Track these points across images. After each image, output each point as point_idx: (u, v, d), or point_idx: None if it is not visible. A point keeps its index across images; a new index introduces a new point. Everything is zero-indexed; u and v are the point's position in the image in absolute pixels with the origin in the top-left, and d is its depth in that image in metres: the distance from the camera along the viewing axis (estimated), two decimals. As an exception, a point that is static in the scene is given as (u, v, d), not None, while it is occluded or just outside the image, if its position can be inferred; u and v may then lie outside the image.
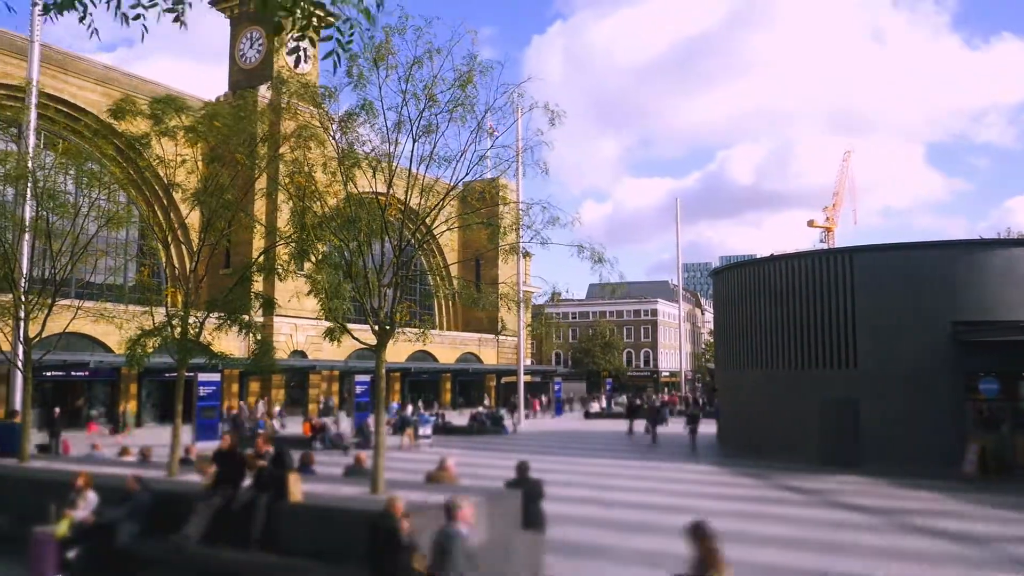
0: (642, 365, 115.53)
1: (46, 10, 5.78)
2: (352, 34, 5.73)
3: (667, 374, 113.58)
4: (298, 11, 5.55)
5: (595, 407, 60.39)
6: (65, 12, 5.68)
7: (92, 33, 6.12)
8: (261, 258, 14.46)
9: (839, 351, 26.70)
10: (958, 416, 24.47)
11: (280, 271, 13.58)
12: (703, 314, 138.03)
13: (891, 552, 13.65)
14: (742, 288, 31.91)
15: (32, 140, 20.35)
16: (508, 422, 43.95)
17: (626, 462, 27.26)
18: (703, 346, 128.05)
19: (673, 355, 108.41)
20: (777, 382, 28.97)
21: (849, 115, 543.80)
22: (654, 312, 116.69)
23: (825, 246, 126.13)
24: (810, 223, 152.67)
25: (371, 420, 32.46)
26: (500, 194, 14.20)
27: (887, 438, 24.87)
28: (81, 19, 5.81)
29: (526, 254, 56.27)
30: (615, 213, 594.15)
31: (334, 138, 12.33)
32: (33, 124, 22.00)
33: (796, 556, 13.25)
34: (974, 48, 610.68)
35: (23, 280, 16.58)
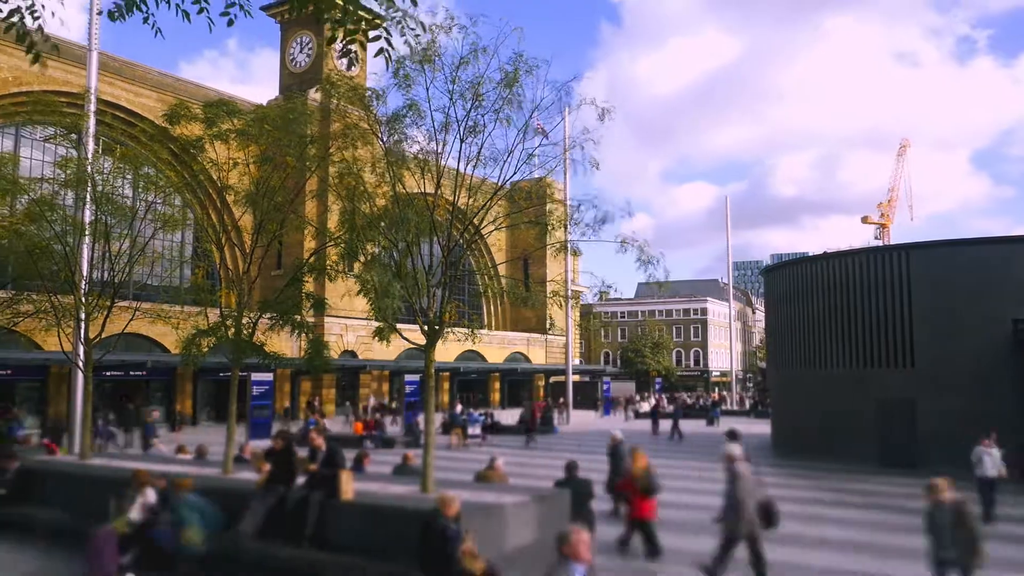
0: (692, 365, 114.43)
1: (112, 16, 5.95)
2: (403, 30, 5.80)
3: (717, 374, 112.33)
4: (348, 20, 5.64)
5: (644, 407, 59.97)
6: (128, 15, 5.86)
7: (156, 32, 6.32)
8: (312, 259, 14.64)
9: (896, 350, 26.11)
10: (1020, 417, 23.74)
11: (330, 272, 13.72)
12: (754, 313, 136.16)
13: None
14: (795, 286, 31.38)
15: (91, 146, 20.89)
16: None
17: (677, 462, 27.00)
18: (754, 345, 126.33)
19: (724, 354, 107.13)
20: (831, 382, 28.43)
21: (885, 132, 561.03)
22: (704, 311, 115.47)
23: (880, 243, 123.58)
24: (864, 219, 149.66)
25: (420, 419, 32.67)
26: (547, 192, 14.16)
27: (946, 439, 24.22)
28: (145, 20, 6.00)
29: (575, 252, 56.16)
30: (658, 221, 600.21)
31: (382, 139, 12.42)
32: (92, 130, 22.58)
33: (852, 559, 12.98)
34: (1005, 66, 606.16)
35: (83, 282, 17.03)
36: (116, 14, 5.94)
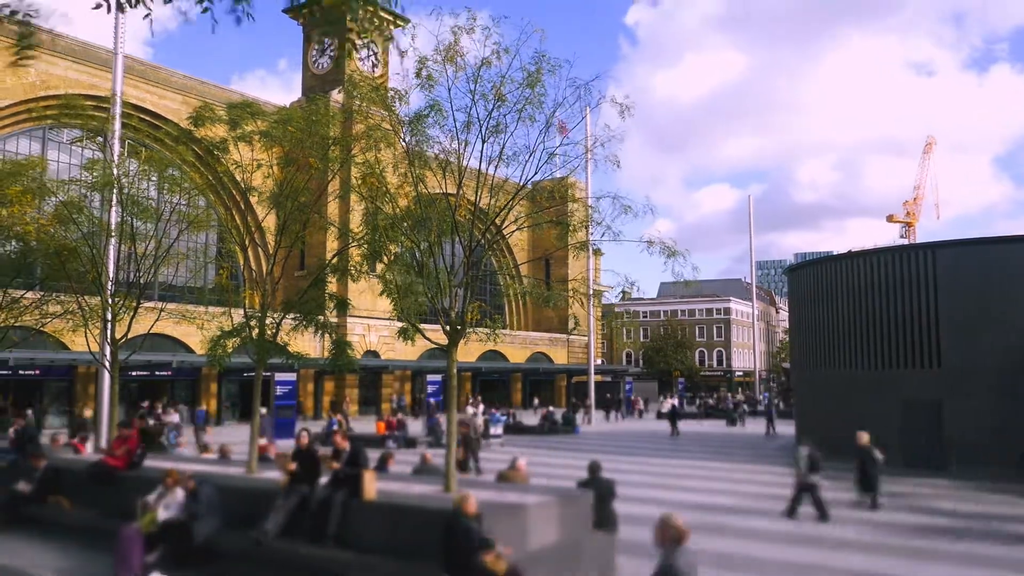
0: (715, 365, 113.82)
1: (120, 9, 6.01)
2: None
3: (740, 374, 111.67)
4: (364, 23, 5.71)
5: (666, 407, 59.65)
6: (133, 7, 5.93)
7: (152, 33, 6.40)
8: (335, 259, 14.72)
9: (921, 350, 25.82)
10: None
11: (353, 272, 13.79)
12: (777, 313, 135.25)
13: (976, 558, 13.13)
14: (819, 286, 31.10)
15: (117, 148, 21.13)
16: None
17: (699, 463, 26.88)
18: (778, 345, 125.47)
19: (747, 354, 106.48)
20: (856, 382, 28.17)
21: (904, 139, 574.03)
22: (727, 311, 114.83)
23: (906, 241, 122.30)
24: (890, 218, 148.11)
25: (442, 419, 32.73)
26: (569, 192, 14.13)
27: (972, 440, 23.93)
28: (145, 16, 6.06)
29: (596, 251, 56.06)
30: (679, 225, 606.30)
31: (404, 140, 12.46)
32: (118, 133, 22.84)
33: (876, 561, 12.85)
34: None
35: (110, 283, 17.23)
36: (124, 4, 6.01)
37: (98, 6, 6.00)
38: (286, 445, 19.24)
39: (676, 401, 58.23)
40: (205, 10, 6.04)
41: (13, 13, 5.98)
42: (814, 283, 31.71)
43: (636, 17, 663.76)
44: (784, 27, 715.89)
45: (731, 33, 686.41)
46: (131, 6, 6.03)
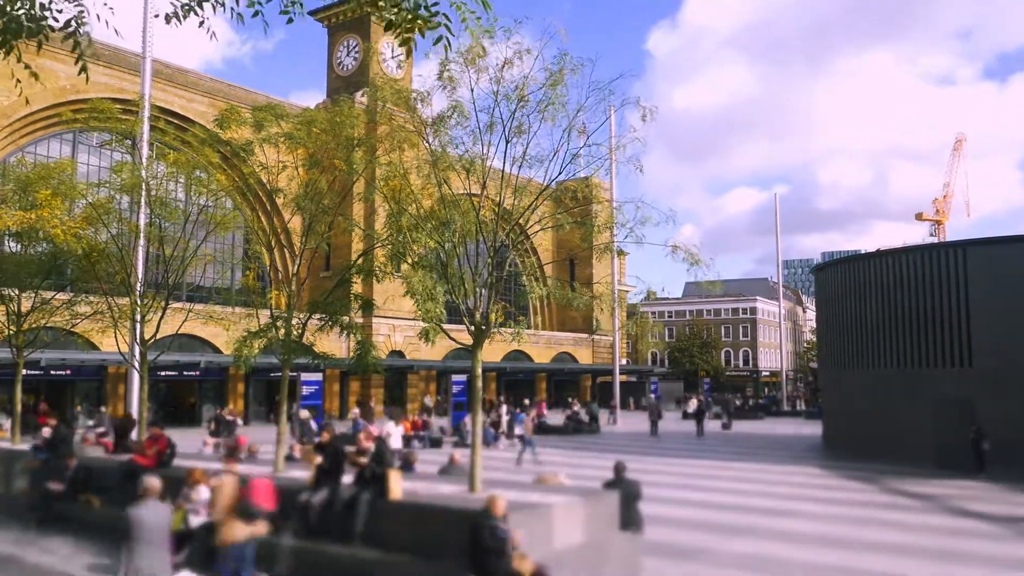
0: (741, 364, 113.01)
1: (167, 20, 6.16)
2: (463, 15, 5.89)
3: (767, 374, 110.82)
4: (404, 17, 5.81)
5: (692, 407, 59.30)
6: (185, 18, 6.08)
7: (211, 36, 6.53)
8: (360, 260, 14.78)
9: (952, 349, 25.48)
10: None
11: (378, 273, 13.84)
12: (804, 312, 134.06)
13: (1011, 561, 12.93)
14: (847, 285, 30.79)
15: (145, 151, 21.35)
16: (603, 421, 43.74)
17: (726, 463, 26.70)
18: (805, 345, 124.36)
19: (774, 354, 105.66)
20: (885, 381, 27.85)
21: (926, 146, 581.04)
22: (753, 310, 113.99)
23: (935, 240, 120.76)
24: (919, 216, 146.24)
25: (468, 419, 32.77)
26: (593, 193, 14.09)
27: (1006, 441, 23.55)
28: (200, 24, 6.21)
29: (620, 253, 55.94)
30: (702, 228, 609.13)
31: (427, 141, 12.48)
32: (146, 136, 23.09)
33: (909, 564, 12.68)
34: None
35: (139, 284, 17.43)
36: (171, 17, 6.14)
37: (168, 19, 6.16)
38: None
39: (703, 400, 57.86)
40: (256, 13, 6.16)
41: (70, 29, 6.14)
42: (842, 282, 31.40)
43: (655, 42, 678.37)
44: (798, 45, 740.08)
45: (746, 52, 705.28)
46: (184, 16, 6.18)
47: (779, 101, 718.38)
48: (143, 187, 16.41)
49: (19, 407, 20.50)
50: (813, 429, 38.97)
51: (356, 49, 57.03)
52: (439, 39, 5.96)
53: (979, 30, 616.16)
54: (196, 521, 11.34)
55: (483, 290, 12.29)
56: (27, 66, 6.91)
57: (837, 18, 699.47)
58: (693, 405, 59.28)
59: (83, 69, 6.57)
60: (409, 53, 6.21)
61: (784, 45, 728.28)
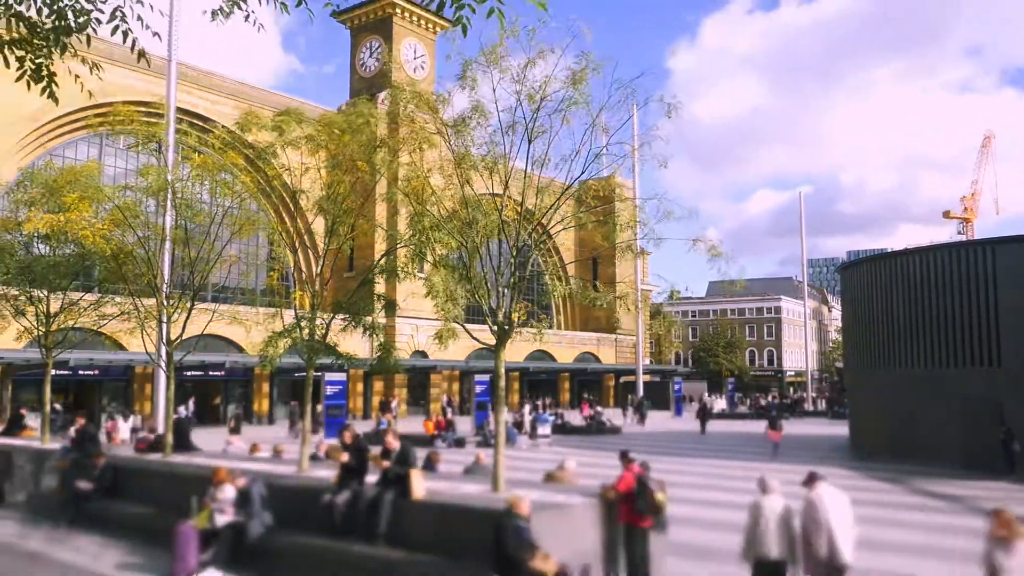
0: (766, 364, 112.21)
1: (213, 16, 6.30)
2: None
3: (792, 374, 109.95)
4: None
5: (716, 407, 58.97)
6: (230, 14, 6.24)
7: (258, 28, 6.70)
8: (382, 260, 14.82)
9: (980, 349, 25.15)
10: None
11: (400, 273, 13.88)
12: (830, 311, 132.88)
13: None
14: (873, 283, 30.48)
15: (171, 154, 21.56)
16: (624, 421, 43.65)
17: (751, 464, 26.52)
18: (830, 344, 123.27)
19: (799, 354, 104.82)
20: (912, 381, 27.54)
21: (946, 154, 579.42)
22: (777, 310, 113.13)
23: (963, 238, 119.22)
24: (946, 214, 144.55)
25: (491, 419, 32.81)
26: (615, 191, 14.04)
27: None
28: (246, 18, 6.36)
29: (643, 252, 55.79)
30: (723, 231, 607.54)
31: (449, 142, 12.49)
32: (172, 139, 23.32)
33: (934, 565, 12.54)
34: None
35: (165, 285, 17.60)
36: (217, 14, 6.27)
37: (214, 16, 6.32)
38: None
39: (706, 400, 57.47)
40: (300, 3, 6.30)
41: (114, 22, 6.34)
42: (869, 280, 31.08)
43: (674, 61, 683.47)
44: (812, 63, 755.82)
45: (763, 69, 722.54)
46: (229, 12, 6.33)
47: (796, 112, 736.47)
48: (169, 189, 16.56)
49: (48, 407, 20.78)
50: (838, 430, 38.62)
51: (379, 50, 57.25)
52: (491, 12, 5.93)
53: (989, 48, 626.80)
54: (222, 520, 11.45)
55: (505, 290, 12.28)
56: (91, 66, 7.13)
57: (850, 37, 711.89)
58: (717, 406, 58.84)
59: (142, 55, 6.78)
60: (464, 32, 6.17)
61: (799, 62, 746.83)
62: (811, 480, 9.26)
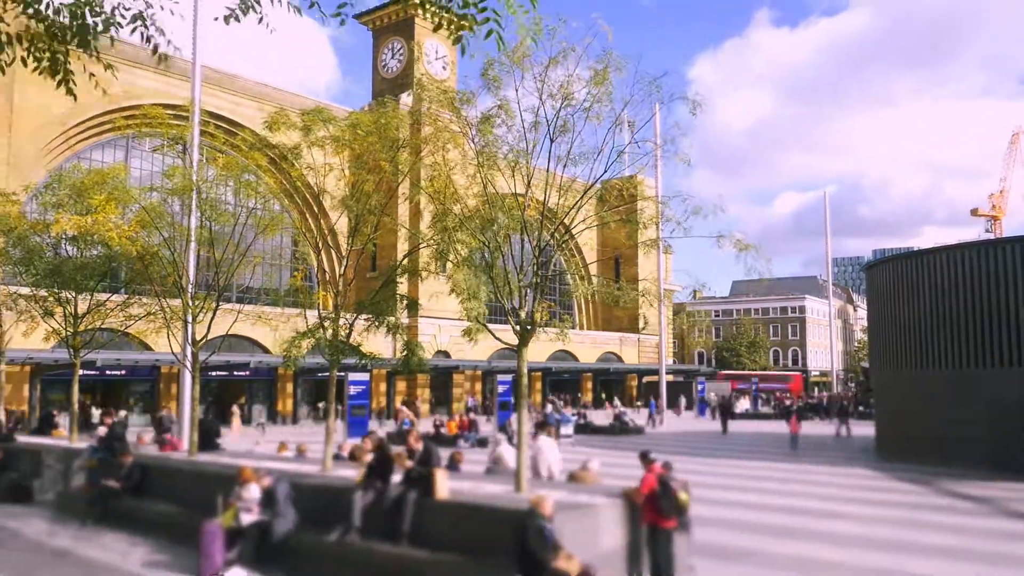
0: (790, 364, 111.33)
1: (226, 20, 6.38)
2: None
3: (817, 373, 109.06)
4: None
5: (739, 407, 58.58)
6: (244, 16, 6.32)
7: (270, 31, 6.78)
8: (405, 260, 14.86)
9: (1010, 349, 24.79)
10: None
11: (423, 273, 13.92)
12: (855, 311, 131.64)
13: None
14: (900, 282, 30.11)
15: (196, 155, 21.76)
16: (648, 421, 43.48)
17: (775, 464, 26.34)
18: (856, 344, 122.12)
19: (823, 354, 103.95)
20: (939, 381, 27.18)
21: (969, 160, 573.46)
22: (802, 309, 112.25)
23: (992, 236, 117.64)
24: (974, 212, 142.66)
25: (514, 419, 32.77)
26: (638, 190, 13.98)
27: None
28: (260, 20, 6.43)
29: (666, 249, 55.53)
30: (745, 233, 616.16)
31: (473, 141, 12.50)
32: (196, 141, 23.53)
33: (960, 567, 12.37)
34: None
35: (190, 286, 17.77)
36: (230, 17, 6.33)
37: (227, 20, 6.40)
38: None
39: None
40: (312, 4, 6.38)
41: (147, 39, 6.45)
42: (895, 279, 30.71)
43: (695, 72, 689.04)
44: (832, 79, 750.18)
45: (783, 82, 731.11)
46: (244, 14, 6.41)
47: (817, 120, 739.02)
48: (194, 190, 16.71)
49: (76, 406, 21.05)
50: (863, 430, 38.24)
51: (400, 51, 57.49)
52: (489, 33, 6.02)
53: (1004, 58, 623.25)
54: (247, 519, 11.53)
55: (528, 289, 12.27)
56: (107, 67, 7.24)
57: (869, 50, 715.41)
58: (740, 406, 58.38)
59: (163, 59, 6.89)
60: (464, 51, 6.29)
61: (818, 78, 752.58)
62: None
